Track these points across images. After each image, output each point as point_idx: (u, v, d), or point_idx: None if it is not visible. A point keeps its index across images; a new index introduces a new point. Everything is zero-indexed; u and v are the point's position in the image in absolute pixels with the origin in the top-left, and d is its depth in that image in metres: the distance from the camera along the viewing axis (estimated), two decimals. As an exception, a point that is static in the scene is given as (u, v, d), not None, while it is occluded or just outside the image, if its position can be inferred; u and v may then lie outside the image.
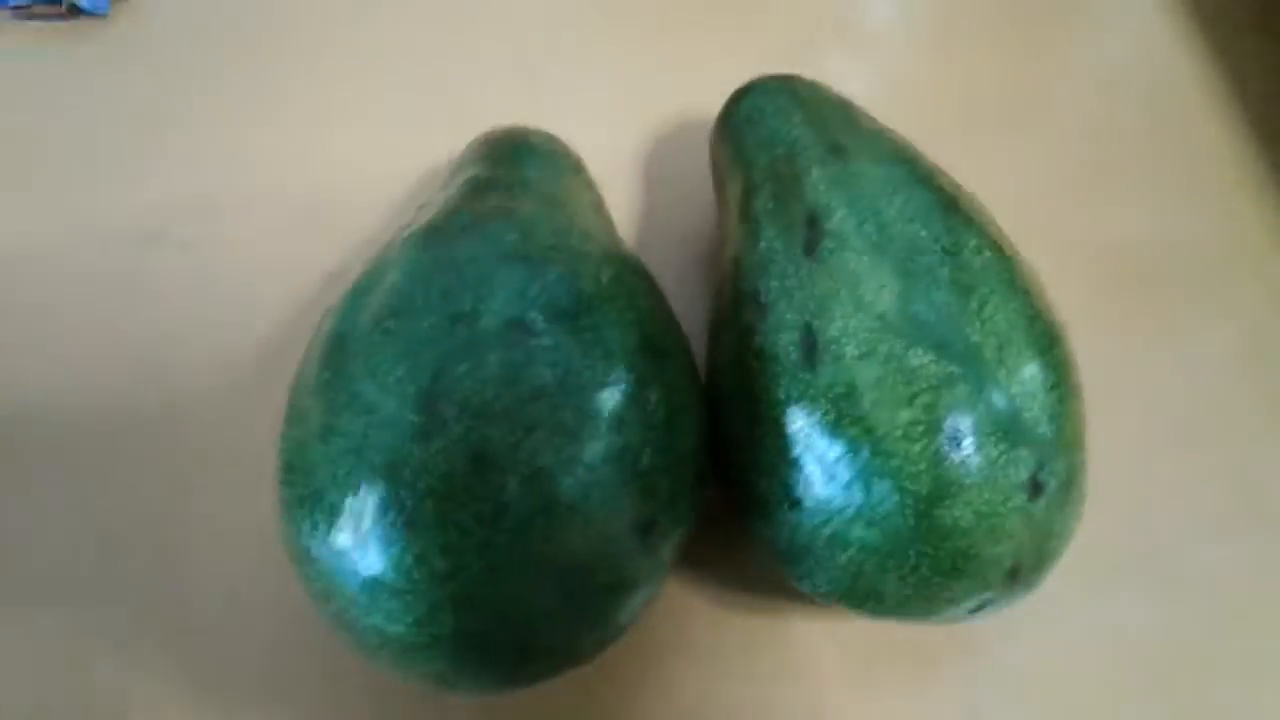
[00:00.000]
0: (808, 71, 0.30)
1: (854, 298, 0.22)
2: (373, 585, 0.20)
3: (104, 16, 0.39)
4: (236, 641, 0.26)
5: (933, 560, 0.21)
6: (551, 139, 0.30)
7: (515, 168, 0.27)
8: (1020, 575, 0.21)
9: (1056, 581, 0.27)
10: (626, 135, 0.35)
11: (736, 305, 0.24)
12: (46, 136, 0.35)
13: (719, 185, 0.29)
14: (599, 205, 0.28)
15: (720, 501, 0.28)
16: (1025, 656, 0.26)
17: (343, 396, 0.21)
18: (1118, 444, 0.29)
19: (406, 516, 0.20)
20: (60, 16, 0.39)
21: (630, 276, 0.24)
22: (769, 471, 0.22)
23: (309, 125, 0.35)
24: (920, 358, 0.21)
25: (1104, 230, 0.32)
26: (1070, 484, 0.21)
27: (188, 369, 0.30)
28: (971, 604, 0.22)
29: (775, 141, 0.26)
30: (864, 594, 0.22)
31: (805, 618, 0.27)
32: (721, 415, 0.24)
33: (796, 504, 0.21)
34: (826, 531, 0.21)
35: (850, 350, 0.21)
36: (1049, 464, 0.21)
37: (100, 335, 0.31)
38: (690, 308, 0.31)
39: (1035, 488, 0.21)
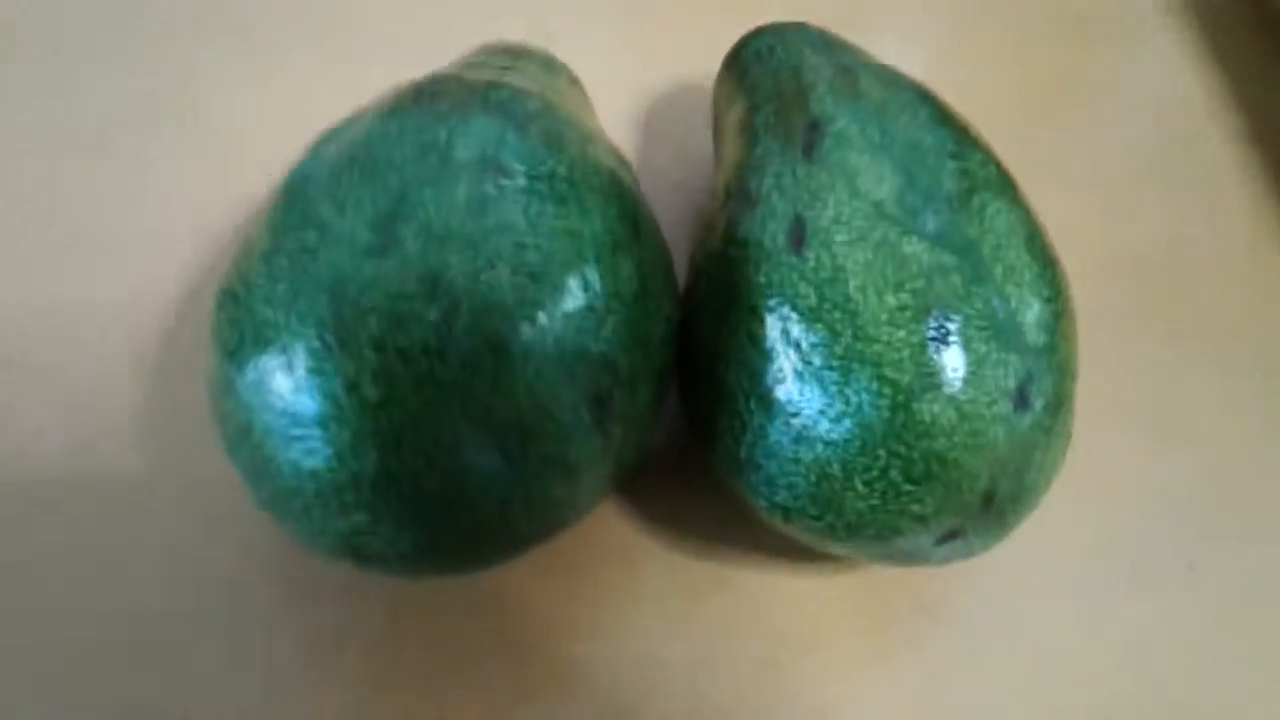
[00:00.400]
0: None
1: (850, 188, 0.21)
2: (296, 413, 0.18)
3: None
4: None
5: (904, 463, 0.19)
6: (550, 54, 0.29)
7: (510, 60, 0.26)
8: (995, 503, 0.20)
9: (1027, 558, 0.25)
10: (626, 90, 0.34)
11: (724, 204, 0.23)
12: None
13: (718, 120, 0.28)
14: (592, 113, 0.27)
15: (678, 446, 0.26)
16: (991, 630, 0.24)
17: (295, 219, 0.20)
18: (1105, 434, 0.27)
19: (342, 335, 0.18)
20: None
21: (615, 162, 0.23)
22: (740, 363, 0.20)
23: (302, 53, 0.34)
24: (913, 245, 0.20)
25: (1113, 240, 0.32)
26: (1058, 410, 0.20)
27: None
28: (940, 529, 0.20)
29: (782, 69, 0.26)
30: (825, 503, 0.20)
31: (760, 570, 0.25)
32: (696, 320, 0.22)
33: (765, 396, 0.20)
34: (794, 426, 0.20)
35: (840, 236, 0.20)
36: (1039, 379, 0.19)
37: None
38: (679, 255, 0.30)
39: (1021, 399, 0.19)
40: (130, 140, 0.32)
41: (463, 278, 0.18)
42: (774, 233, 0.21)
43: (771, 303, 0.20)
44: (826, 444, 0.19)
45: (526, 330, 0.18)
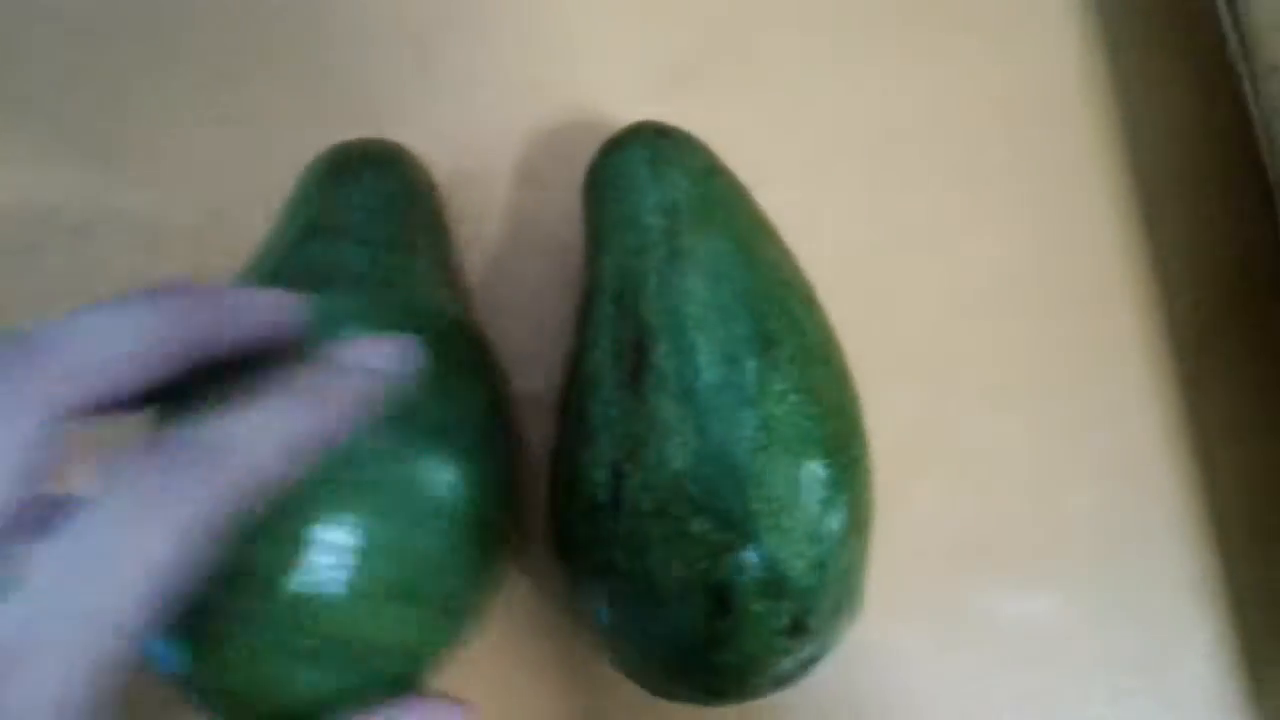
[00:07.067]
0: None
1: (657, 450, 0.24)
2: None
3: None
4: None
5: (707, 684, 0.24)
6: (399, 156, 0.30)
7: (349, 201, 0.28)
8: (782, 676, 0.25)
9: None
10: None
11: (567, 420, 0.26)
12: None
13: (586, 230, 0.30)
14: (441, 241, 0.29)
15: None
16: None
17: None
18: (935, 488, 0.31)
19: None
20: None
21: (455, 351, 0.25)
22: (584, 583, 0.25)
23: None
24: (701, 525, 0.24)
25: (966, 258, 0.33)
26: (836, 611, 0.25)
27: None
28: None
29: (627, 225, 0.27)
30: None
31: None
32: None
33: (609, 625, 0.25)
34: (634, 648, 0.25)
35: (646, 505, 0.24)
36: (814, 607, 0.24)
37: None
38: (552, 318, 0.33)
39: (795, 629, 0.24)
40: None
41: None
42: (599, 480, 0.25)
43: (597, 556, 0.25)
44: (660, 663, 0.25)
45: None
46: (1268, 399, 0.32)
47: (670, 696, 0.26)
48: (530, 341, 0.32)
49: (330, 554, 0.21)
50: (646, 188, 0.28)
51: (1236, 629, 0.30)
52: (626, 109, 0.33)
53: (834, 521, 0.24)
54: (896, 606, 0.30)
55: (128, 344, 0.18)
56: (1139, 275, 0.34)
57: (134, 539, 0.16)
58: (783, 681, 0.25)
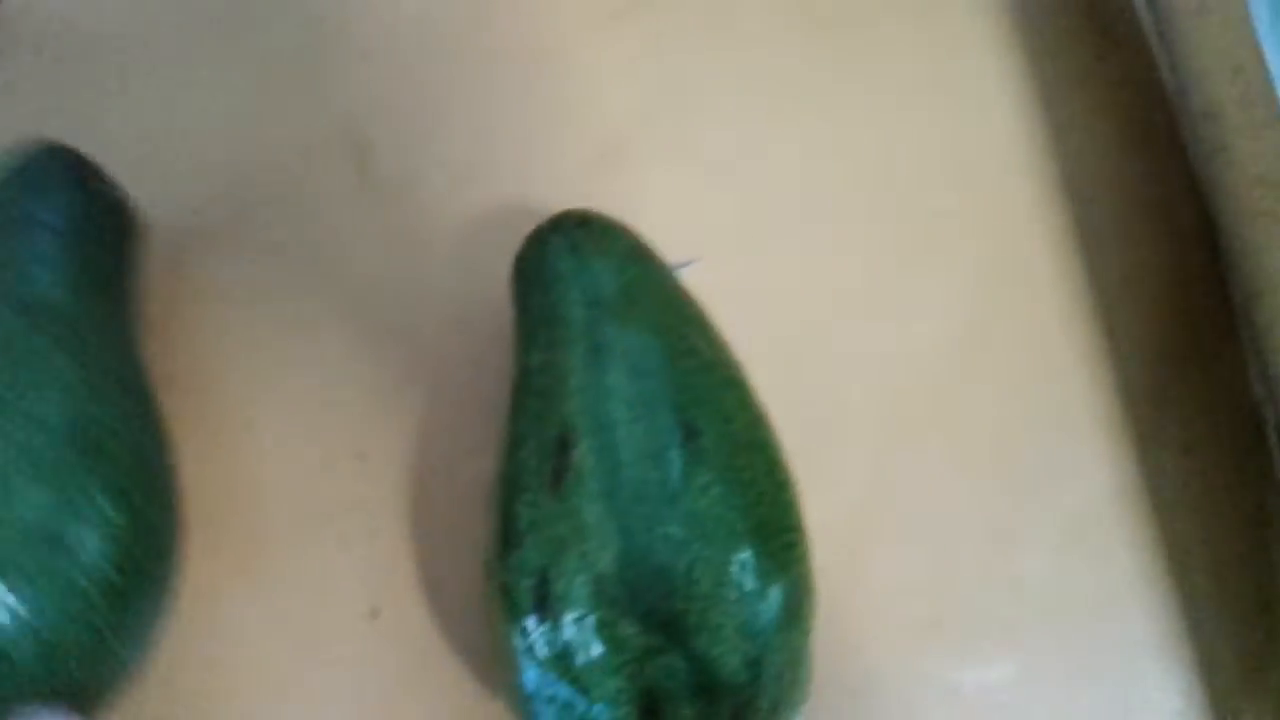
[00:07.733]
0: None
1: (580, 553, 0.24)
2: None
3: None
4: None
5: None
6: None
7: None
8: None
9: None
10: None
11: (495, 522, 0.26)
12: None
13: (515, 323, 0.30)
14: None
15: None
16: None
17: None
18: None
19: None
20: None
21: None
22: (519, 692, 0.25)
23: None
24: (627, 629, 0.23)
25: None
26: (778, 705, 0.24)
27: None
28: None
29: (551, 319, 0.27)
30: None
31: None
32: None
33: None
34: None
35: (571, 611, 0.23)
36: (752, 701, 0.23)
37: None
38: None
39: (736, 723, 0.23)
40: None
41: None
42: (526, 587, 0.24)
43: (523, 660, 0.24)
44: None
45: None
46: (1223, 455, 0.31)
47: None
48: (473, 429, 0.32)
49: None
50: (569, 280, 0.28)
51: (1203, 690, 0.29)
52: (559, 192, 0.33)
53: (767, 613, 0.24)
54: (853, 683, 0.30)
55: None
56: (1087, 333, 0.33)
57: None
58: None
